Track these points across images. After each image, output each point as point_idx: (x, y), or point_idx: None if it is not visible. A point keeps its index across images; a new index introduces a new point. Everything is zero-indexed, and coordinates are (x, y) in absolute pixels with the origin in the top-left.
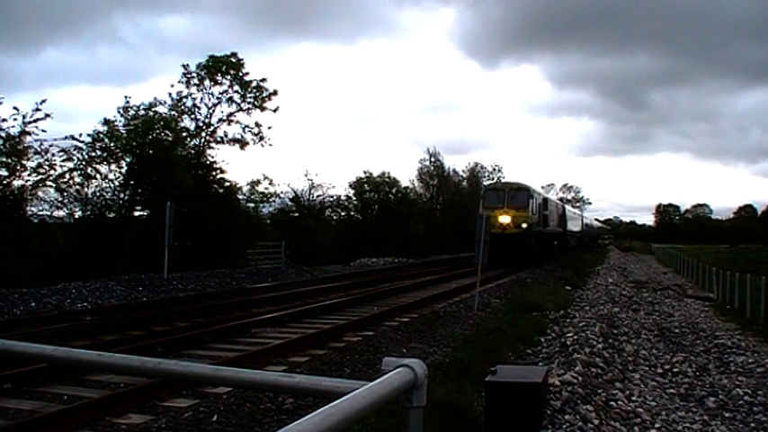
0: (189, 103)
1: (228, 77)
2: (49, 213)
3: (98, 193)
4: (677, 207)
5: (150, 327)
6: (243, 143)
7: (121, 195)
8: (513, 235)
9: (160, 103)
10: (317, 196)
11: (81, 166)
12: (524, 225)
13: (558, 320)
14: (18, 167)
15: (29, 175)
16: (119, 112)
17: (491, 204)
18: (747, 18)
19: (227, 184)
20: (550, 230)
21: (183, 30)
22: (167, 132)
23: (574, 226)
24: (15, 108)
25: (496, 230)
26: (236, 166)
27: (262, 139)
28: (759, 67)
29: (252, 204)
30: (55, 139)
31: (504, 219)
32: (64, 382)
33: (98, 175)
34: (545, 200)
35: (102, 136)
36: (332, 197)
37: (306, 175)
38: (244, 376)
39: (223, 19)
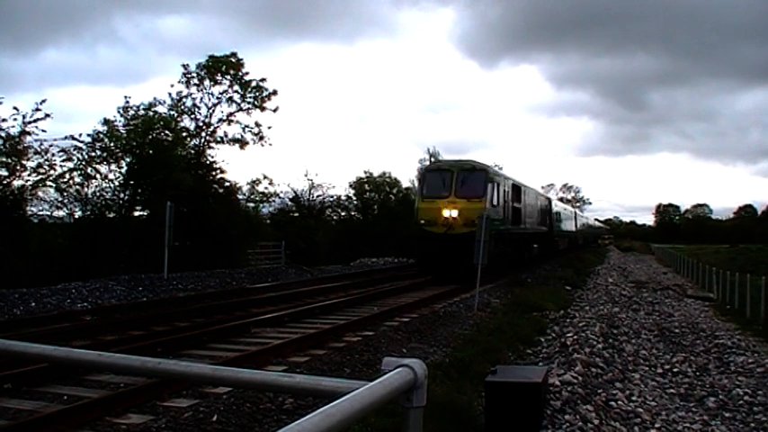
0: (189, 103)
1: (228, 77)
2: (49, 213)
3: (98, 193)
4: (677, 207)
5: (150, 327)
6: (243, 143)
7: (121, 195)
8: (462, 236)
9: (160, 103)
10: (317, 196)
11: (81, 166)
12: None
13: (558, 320)
14: (18, 167)
15: (29, 175)
16: (119, 112)
17: (433, 192)
18: (746, 18)
19: (227, 184)
20: (526, 230)
21: (182, 30)
22: (167, 132)
23: (566, 225)
24: (15, 108)
25: (438, 230)
26: (236, 166)
27: (262, 138)
28: (758, 67)
29: (252, 204)
30: (55, 139)
31: (450, 212)
32: (64, 382)
33: (98, 175)
34: (516, 188)
35: (101, 136)
36: (332, 197)
37: (306, 175)
38: (244, 376)
39: (222, 19)
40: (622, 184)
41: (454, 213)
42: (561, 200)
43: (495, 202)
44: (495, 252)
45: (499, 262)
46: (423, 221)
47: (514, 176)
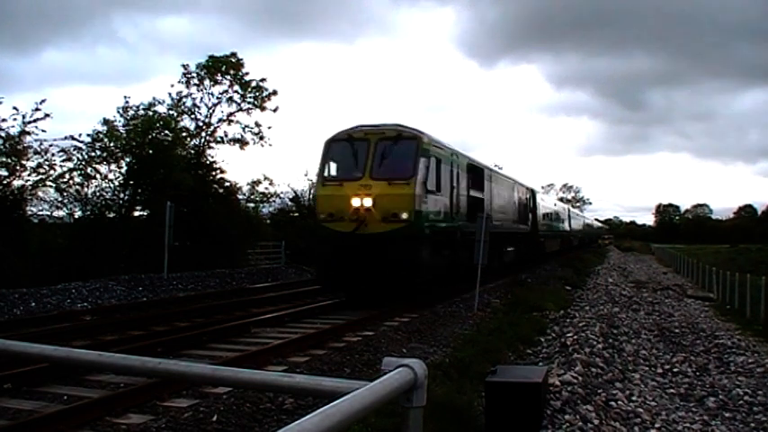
0: (189, 103)
1: (228, 77)
2: (49, 213)
3: (98, 193)
4: (677, 207)
5: (150, 327)
6: (243, 143)
7: (121, 195)
8: (378, 237)
9: (159, 103)
10: None
11: (81, 166)
12: (405, 215)
13: (558, 320)
14: (18, 167)
15: (29, 175)
16: (118, 112)
17: (340, 172)
18: (745, 19)
19: (227, 184)
20: (495, 228)
21: (182, 30)
22: (167, 132)
23: (555, 224)
24: (15, 108)
25: (344, 227)
26: (236, 166)
27: (262, 138)
28: (757, 67)
29: (252, 204)
30: (55, 140)
31: (361, 201)
32: (64, 382)
33: (98, 175)
34: (475, 170)
35: (101, 136)
36: None
37: (306, 175)
38: (244, 376)
39: (222, 19)
40: (622, 184)
41: (367, 202)
42: (561, 200)
43: (432, 187)
44: (430, 263)
45: (441, 275)
46: (323, 216)
47: (468, 154)
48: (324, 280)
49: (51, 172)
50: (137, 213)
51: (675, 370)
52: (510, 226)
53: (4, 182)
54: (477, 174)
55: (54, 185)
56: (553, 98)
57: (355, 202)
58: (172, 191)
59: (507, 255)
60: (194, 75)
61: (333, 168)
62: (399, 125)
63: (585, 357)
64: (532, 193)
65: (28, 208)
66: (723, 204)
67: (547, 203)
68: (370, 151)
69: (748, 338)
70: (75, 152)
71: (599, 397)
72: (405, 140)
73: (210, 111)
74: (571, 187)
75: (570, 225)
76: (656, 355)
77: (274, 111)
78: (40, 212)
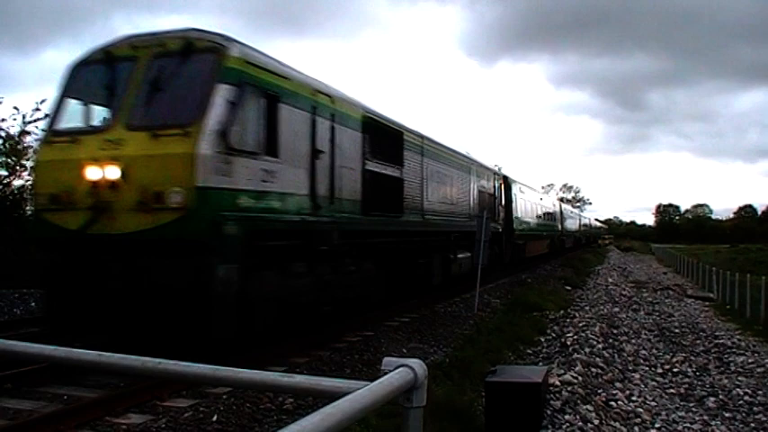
0: None
1: None
2: None
3: None
4: (677, 207)
5: None
6: None
7: None
8: (127, 241)
9: None
10: None
11: None
12: (179, 197)
13: (558, 320)
14: (18, 167)
15: (29, 174)
16: None
17: (81, 119)
18: (745, 19)
19: None
20: (431, 224)
21: None
22: None
23: (541, 222)
24: (15, 108)
25: (70, 222)
26: None
27: None
28: (756, 67)
29: None
30: None
31: (102, 171)
32: (64, 382)
33: None
34: (382, 130)
35: None
36: None
37: None
38: (244, 376)
39: (222, 19)
40: (622, 183)
41: (113, 173)
42: (562, 200)
43: (252, 145)
44: (243, 297)
45: (285, 316)
46: (42, 200)
47: (382, 111)
48: (50, 316)
49: None
50: None
51: (675, 370)
52: (464, 224)
53: (4, 182)
54: (386, 139)
55: None
56: (553, 98)
57: (92, 173)
58: None
59: (458, 264)
60: None
61: (71, 113)
62: (195, 29)
63: (585, 357)
64: (506, 182)
65: (28, 208)
66: (723, 204)
67: (529, 197)
68: (137, 77)
69: (748, 338)
70: None
71: (599, 397)
72: (196, 55)
73: None
74: (571, 187)
75: (563, 224)
76: (656, 355)
77: None
78: None
